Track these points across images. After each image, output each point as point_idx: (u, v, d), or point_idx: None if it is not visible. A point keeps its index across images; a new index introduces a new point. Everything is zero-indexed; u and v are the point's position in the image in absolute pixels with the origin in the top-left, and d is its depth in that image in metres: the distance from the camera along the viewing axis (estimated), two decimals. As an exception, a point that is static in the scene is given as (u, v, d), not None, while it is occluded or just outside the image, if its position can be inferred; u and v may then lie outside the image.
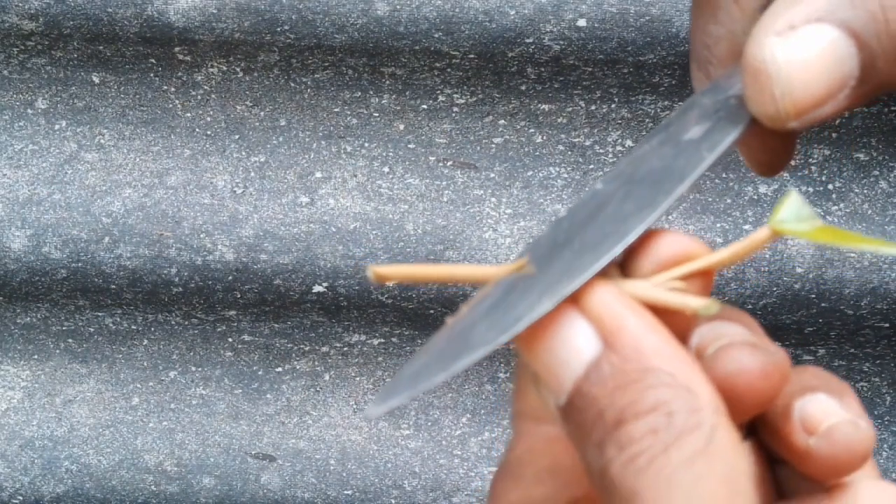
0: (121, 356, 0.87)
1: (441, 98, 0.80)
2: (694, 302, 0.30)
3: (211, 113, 0.81)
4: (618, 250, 0.30)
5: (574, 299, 0.30)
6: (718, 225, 0.79)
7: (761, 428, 0.32)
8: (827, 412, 0.31)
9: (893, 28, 0.32)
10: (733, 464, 0.28)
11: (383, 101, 0.80)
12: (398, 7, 0.76)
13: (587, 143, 0.80)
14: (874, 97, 0.33)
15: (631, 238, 0.30)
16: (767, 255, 0.79)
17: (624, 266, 0.31)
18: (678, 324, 0.30)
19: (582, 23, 0.75)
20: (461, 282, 0.32)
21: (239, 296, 0.83)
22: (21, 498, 0.88)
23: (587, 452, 0.29)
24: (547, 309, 0.29)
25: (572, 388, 0.29)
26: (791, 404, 0.31)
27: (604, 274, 0.30)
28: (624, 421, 0.28)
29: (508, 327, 0.29)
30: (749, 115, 0.33)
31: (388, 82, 0.79)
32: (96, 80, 0.81)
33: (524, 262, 0.31)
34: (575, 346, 0.29)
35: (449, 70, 0.78)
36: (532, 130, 0.80)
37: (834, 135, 0.78)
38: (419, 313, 0.83)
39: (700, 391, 0.28)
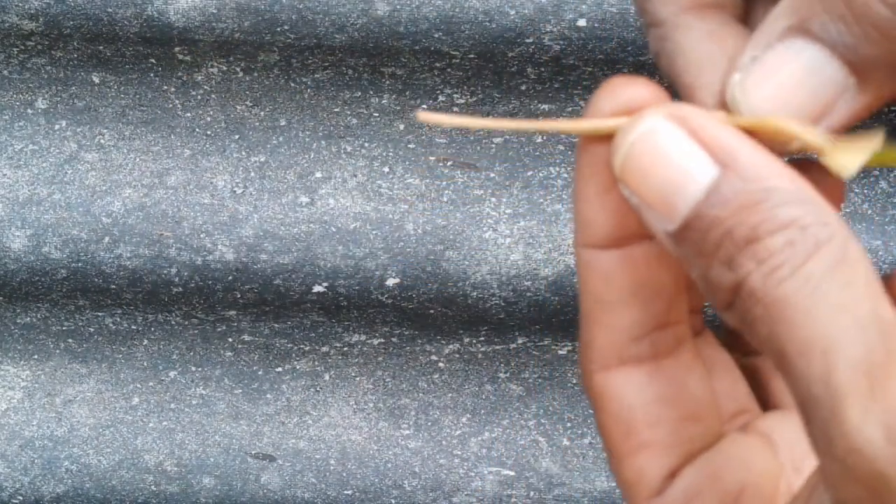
0: (121, 356, 0.87)
1: (441, 98, 0.80)
2: (803, 132, 0.31)
3: (211, 113, 0.81)
4: None
5: (681, 122, 0.30)
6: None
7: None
8: None
9: (874, 21, 0.29)
10: (872, 271, 0.29)
11: (383, 101, 0.80)
12: (398, 7, 0.76)
13: (587, 143, 0.80)
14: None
15: None
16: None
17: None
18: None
19: (582, 23, 0.75)
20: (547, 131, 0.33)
21: (239, 296, 0.83)
22: (21, 498, 0.88)
23: (713, 271, 0.29)
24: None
25: (690, 211, 0.30)
26: None
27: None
28: (758, 237, 0.29)
29: None
30: None
31: (388, 82, 0.79)
32: (96, 80, 0.81)
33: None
34: (689, 170, 0.30)
35: (449, 70, 0.78)
36: (532, 130, 0.80)
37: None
38: (419, 313, 0.83)
39: (825, 208, 0.29)
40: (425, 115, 0.32)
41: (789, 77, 0.31)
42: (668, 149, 0.30)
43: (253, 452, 0.87)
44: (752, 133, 0.31)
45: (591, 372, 0.33)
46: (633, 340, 0.33)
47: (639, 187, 0.31)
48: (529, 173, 0.80)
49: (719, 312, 0.30)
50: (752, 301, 0.29)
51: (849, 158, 0.31)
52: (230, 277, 0.82)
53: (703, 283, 0.30)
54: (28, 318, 0.86)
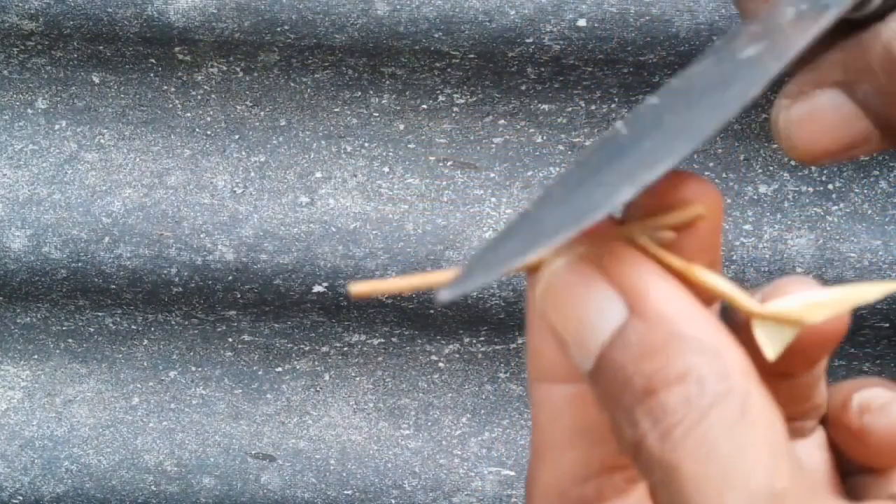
0: (121, 356, 0.87)
1: (441, 98, 0.79)
2: (703, 275, 0.30)
3: (211, 113, 0.81)
4: (695, 144, 0.30)
5: (599, 264, 0.30)
6: (718, 225, 0.79)
7: (826, 423, 0.33)
8: (882, 396, 0.32)
9: None
10: (772, 427, 0.28)
11: (383, 101, 0.80)
12: (398, 7, 0.76)
13: (587, 143, 0.80)
14: None
15: (705, 134, 0.30)
16: (767, 255, 0.79)
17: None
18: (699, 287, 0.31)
19: (582, 23, 0.75)
20: (420, 288, 0.32)
21: (239, 296, 0.83)
22: (21, 498, 0.88)
23: (619, 421, 0.29)
24: (627, 197, 0.29)
25: (598, 353, 0.29)
26: (850, 396, 0.32)
27: (616, 221, 0.30)
28: (654, 390, 0.28)
29: (587, 214, 0.29)
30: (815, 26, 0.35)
31: (388, 82, 0.79)
32: (96, 80, 0.81)
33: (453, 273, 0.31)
34: (601, 312, 0.29)
35: (449, 70, 0.78)
36: (532, 130, 0.80)
37: (834, 135, 0.78)
38: (419, 313, 0.83)
39: (728, 356, 0.28)
40: (357, 288, 0.32)
41: (828, 121, 0.37)
42: (580, 286, 0.30)
43: (253, 452, 0.87)
44: (686, 277, 0.30)
45: None
46: (576, 483, 0.32)
47: (556, 321, 0.30)
48: (529, 173, 0.80)
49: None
50: (650, 463, 0.28)
51: (776, 336, 0.30)
52: (230, 277, 0.82)
53: (615, 434, 0.29)
54: (28, 318, 0.86)
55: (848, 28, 0.37)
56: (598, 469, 0.32)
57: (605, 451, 0.32)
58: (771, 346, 0.30)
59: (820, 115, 0.37)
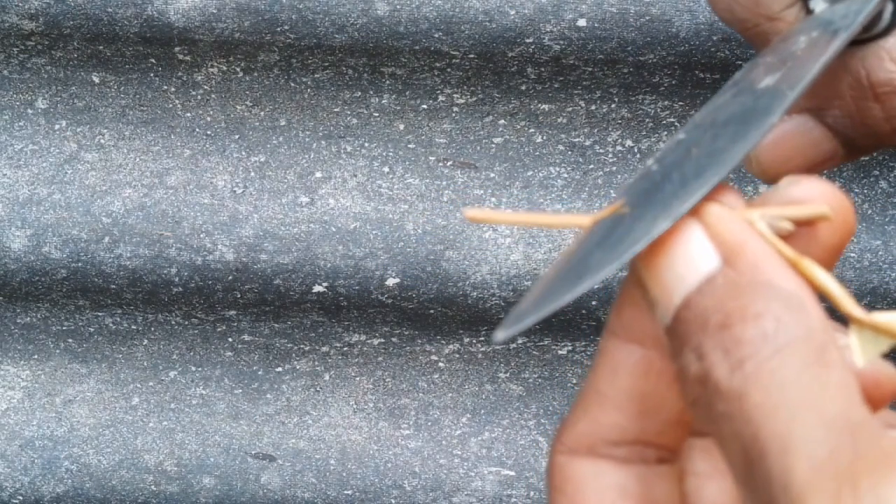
0: (121, 356, 0.87)
1: (441, 98, 0.80)
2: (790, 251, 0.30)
3: (211, 113, 0.81)
4: (724, 173, 0.30)
5: (695, 216, 0.30)
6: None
7: None
8: None
9: (867, 121, 0.38)
10: (848, 374, 0.27)
11: (383, 101, 0.80)
12: (398, 7, 0.76)
13: (587, 143, 0.80)
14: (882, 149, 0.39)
15: (733, 162, 0.31)
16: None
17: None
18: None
19: (582, 23, 0.75)
20: (553, 227, 0.33)
21: (239, 296, 0.83)
22: (21, 498, 0.88)
23: (683, 360, 0.28)
24: (665, 227, 0.29)
25: (681, 301, 0.29)
26: None
27: (723, 202, 0.31)
28: (729, 324, 0.28)
29: (628, 248, 0.29)
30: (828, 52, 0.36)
31: (388, 82, 0.79)
32: (96, 80, 0.81)
33: (621, 203, 0.31)
34: (693, 262, 0.29)
35: (449, 70, 0.78)
36: (532, 130, 0.80)
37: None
38: (419, 313, 0.83)
39: (813, 309, 0.28)
40: (472, 213, 0.32)
41: (797, 145, 0.39)
42: (680, 241, 0.30)
43: (253, 452, 0.87)
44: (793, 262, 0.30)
45: (556, 451, 0.32)
46: (609, 443, 0.32)
47: (648, 278, 0.30)
48: (529, 173, 0.80)
49: (691, 412, 0.29)
50: (716, 396, 0.28)
51: (870, 344, 0.30)
52: (230, 277, 0.82)
53: (678, 381, 0.29)
54: (28, 318, 0.86)
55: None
56: (634, 439, 0.32)
57: (648, 425, 0.32)
58: (863, 353, 0.30)
59: (789, 139, 0.39)
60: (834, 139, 0.39)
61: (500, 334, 0.29)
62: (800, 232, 0.31)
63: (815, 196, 0.31)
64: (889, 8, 0.37)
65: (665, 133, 0.79)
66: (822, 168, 0.39)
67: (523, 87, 0.79)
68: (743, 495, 0.27)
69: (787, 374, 0.27)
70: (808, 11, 0.38)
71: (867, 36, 0.37)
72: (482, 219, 0.32)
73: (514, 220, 0.32)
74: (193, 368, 0.86)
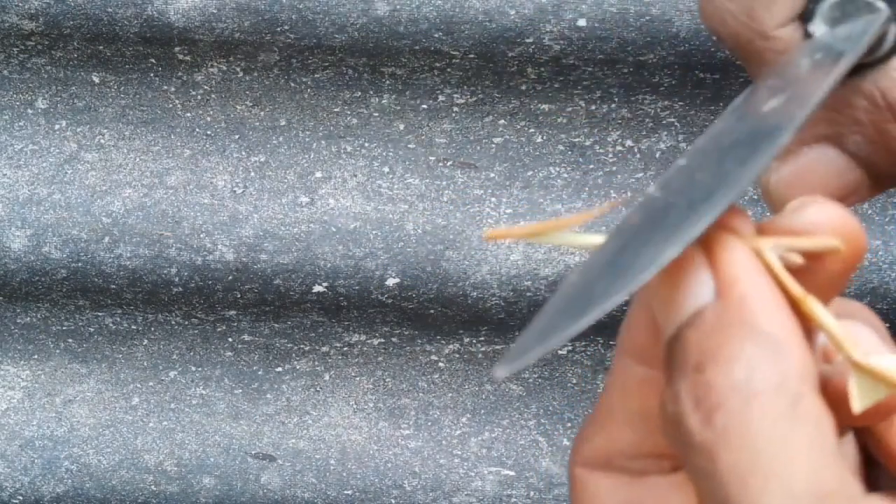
0: (121, 356, 0.87)
1: (441, 98, 0.80)
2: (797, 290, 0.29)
3: (211, 113, 0.81)
4: (733, 195, 0.30)
5: (702, 246, 0.29)
6: (718, 225, 0.79)
7: (860, 428, 0.32)
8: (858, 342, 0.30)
9: (890, 144, 0.36)
10: (822, 429, 0.27)
11: (383, 101, 0.80)
12: (398, 7, 0.76)
13: (587, 143, 0.80)
14: None
15: (743, 185, 0.30)
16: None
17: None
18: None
19: (582, 23, 0.75)
20: (563, 227, 0.32)
21: (239, 296, 0.83)
22: (21, 498, 0.88)
23: (664, 396, 0.28)
24: (674, 254, 0.28)
25: (674, 332, 0.29)
26: None
27: (731, 228, 0.30)
28: (703, 368, 0.27)
29: (635, 277, 0.28)
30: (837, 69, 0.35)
31: (388, 82, 0.79)
32: (96, 80, 0.81)
33: (622, 200, 0.31)
34: (690, 292, 0.29)
35: (449, 70, 0.78)
36: (532, 130, 0.80)
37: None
38: (419, 313, 0.83)
39: (793, 356, 0.27)
40: (491, 233, 0.32)
41: (820, 177, 0.37)
42: (683, 265, 0.29)
43: (253, 452, 0.87)
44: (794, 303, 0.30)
45: (575, 463, 0.33)
46: (624, 456, 0.32)
47: (651, 298, 0.30)
48: (529, 173, 0.80)
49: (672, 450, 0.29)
50: (689, 447, 0.27)
51: (870, 390, 0.29)
52: (230, 277, 0.82)
53: (659, 413, 0.29)
54: (28, 318, 0.86)
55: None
56: (649, 453, 0.32)
57: (659, 441, 0.32)
58: (860, 398, 0.29)
59: (810, 171, 0.38)
60: (858, 168, 0.38)
61: (501, 371, 0.28)
62: (807, 263, 0.30)
63: (827, 222, 0.30)
64: (893, 29, 0.37)
65: (665, 133, 0.79)
66: (848, 202, 0.38)
67: (523, 87, 0.79)
68: None
69: (758, 433, 0.26)
70: (807, 35, 0.37)
71: (872, 59, 0.37)
72: (501, 236, 0.32)
73: (529, 232, 0.32)
74: (193, 368, 0.87)
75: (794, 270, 0.30)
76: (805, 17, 0.38)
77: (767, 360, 0.27)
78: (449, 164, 0.81)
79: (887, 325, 0.34)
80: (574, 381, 0.85)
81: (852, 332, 0.30)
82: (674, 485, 0.32)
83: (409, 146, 0.81)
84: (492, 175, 0.80)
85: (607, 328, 0.83)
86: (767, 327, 0.28)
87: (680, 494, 0.33)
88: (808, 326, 0.29)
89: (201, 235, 0.82)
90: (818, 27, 0.37)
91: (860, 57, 0.36)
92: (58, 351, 0.87)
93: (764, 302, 0.28)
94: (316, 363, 0.86)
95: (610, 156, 0.80)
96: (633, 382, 0.32)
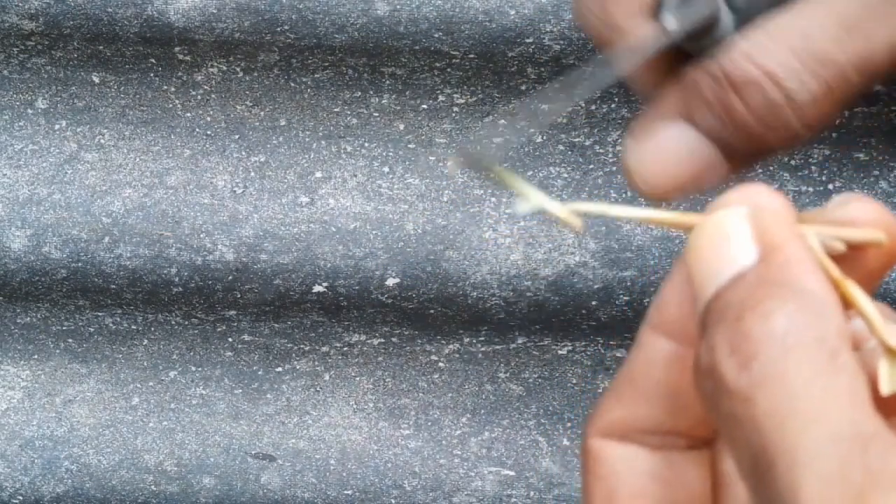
0: (121, 356, 0.87)
1: (441, 98, 0.80)
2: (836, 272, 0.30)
3: (211, 113, 0.81)
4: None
5: (752, 218, 0.30)
6: (718, 225, 0.79)
7: None
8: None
9: (734, 118, 0.37)
10: (859, 381, 0.27)
11: (383, 101, 0.80)
12: (398, 7, 0.76)
13: (587, 143, 0.80)
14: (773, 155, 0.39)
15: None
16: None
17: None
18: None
19: (582, 23, 0.75)
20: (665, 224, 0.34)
21: (239, 296, 0.83)
22: (21, 498, 0.88)
23: (699, 351, 0.28)
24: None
25: (713, 293, 0.29)
26: None
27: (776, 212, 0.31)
28: (742, 318, 0.27)
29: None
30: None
31: (388, 82, 0.79)
32: (96, 80, 0.81)
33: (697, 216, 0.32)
34: (732, 254, 0.29)
35: (449, 70, 0.78)
36: (532, 130, 0.80)
37: (834, 135, 0.78)
38: (419, 313, 0.83)
39: (833, 315, 0.28)
40: (573, 208, 0.33)
41: (675, 153, 0.38)
42: (726, 235, 0.30)
43: (253, 452, 0.87)
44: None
45: (590, 434, 0.33)
46: (642, 431, 0.32)
47: (692, 268, 0.30)
48: (529, 173, 0.80)
49: (704, 408, 0.29)
50: (724, 394, 0.27)
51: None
52: (230, 277, 0.82)
53: (693, 371, 0.29)
54: (28, 318, 0.86)
55: (684, 58, 0.39)
56: (666, 430, 0.32)
57: (681, 419, 0.32)
58: (890, 382, 0.30)
59: (665, 150, 0.39)
60: (711, 146, 0.39)
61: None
62: (848, 253, 0.31)
63: (869, 218, 0.31)
64: (726, 10, 0.38)
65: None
66: (705, 181, 0.39)
67: (523, 87, 0.79)
68: (752, 501, 0.27)
69: (796, 380, 0.26)
70: (665, 29, 0.38)
71: (711, 40, 0.38)
72: (591, 212, 0.33)
73: (629, 215, 0.34)
74: (193, 368, 0.87)
75: (834, 259, 0.30)
76: (657, 11, 0.38)
77: (807, 316, 0.27)
78: (449, 164, 0.81)
79: (887, 325, 0.34)
80: (574, 381, 0.85)
81: (889, 320, 0.31)
82: (691, 461, 0.33)
83: (409, 146, 0.81)
84: (492, 175, 0.80)
85: (607, 328, 0.83)
86: (809, 286, 0.28)
87: (698, 470, 0.33)
88: (844, 310, 0.30)
89: (201, 235, 0.82)
90: (669, 21, 0.37)
91: (701, 36, 0.37)
92: (58, 351, 0.87)
93: (807, 266, 0.29)
94: (316, 363, 0.86)
95: (610, 156, 0.80)
96: (659, 357, 0.32)
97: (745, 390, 0.27)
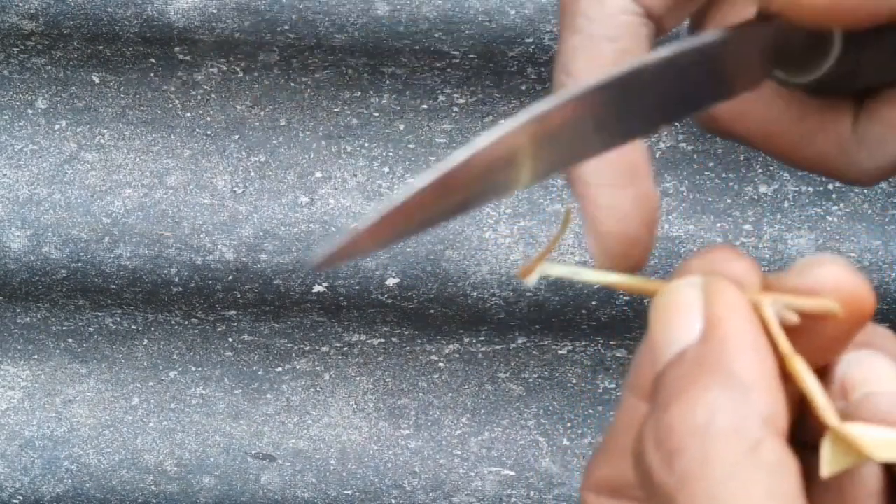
0: (121, 356, 0.87)
1: (441, 98, 0.80)
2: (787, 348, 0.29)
3: (211, 113, 0.81)
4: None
5: (705, 291, 0.30)
6: (718, 225, 0.79)
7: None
8: (872, 378, 0.30)
9: None
10: (781, 480, 0.26)
11: (383, 101, 0.80)
12: (398, 7, 0.76)
13: (587, 143, 0.80)
14: None
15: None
16: (767, 255, 0.79)
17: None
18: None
19: (582, 23, 0.75)
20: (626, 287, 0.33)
21: (239, 296, 0.83)
22: (21, 498, 0.88)
23: (638, 434, 0.28)
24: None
25: (662, 367, 0.29)
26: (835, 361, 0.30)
27: (735, 278, 0.30)
28: (668, 407, 0.27)
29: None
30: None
31: (388, 82, 0.79)
32: (96, 80, 0.81)
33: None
34: (680, 327, 0.29)
35: (449, 70, 0.78)
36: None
37: (834, 135, 0.78)
38: (419, 313, 0.83)
39: (757, 401, 0.27)
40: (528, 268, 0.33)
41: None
42: (678, 307, 0.30)
43: (253, 452, 0.87)
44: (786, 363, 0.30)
45: (586, 489, 0.33)
46: (632, 487, 0.32)
47: (651, 336, 0.30)
48: (529, 173, 0.80)
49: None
50: (651, 485, 0.27)
51: (841, 456, 0.29)
52: (230, 277, 0.82)
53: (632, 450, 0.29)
54: (28, 318, 0.86)
55: None
56: None
57: None
58: (829, 462, 0.29)
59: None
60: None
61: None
62: (805, 323, 0.30)
63: (833, 285, 0.30)
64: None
65: (665, 133, 0.79)
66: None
67: (523, 87, 0.79)
68: None
69: (714, 480, 0.26)
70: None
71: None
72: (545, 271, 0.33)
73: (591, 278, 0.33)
74: (193, 368, 0.87)
75: (793, 328, 0.30)
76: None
77: (729, 403, 0.27)
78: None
79: (887, 324, 0.33)
80: (574, 381, 0.85)
81: (864, 364, 0.30)
82: None
83: (409, 146, 0.81)
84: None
85: (607, 328, 0.83)
86: (737, 369, 0.28)
87: None
88: (789, 380, 0.29)
89: (201, 235, 0.82)
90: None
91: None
92: (58, 351, 0.87)
93: (741, 345, 0.28)
94: (316, 363, 0.86)
95: (610, 156, 0.80)
96: (636, 418, 0.32)
97: (669, 490, 0.27)
